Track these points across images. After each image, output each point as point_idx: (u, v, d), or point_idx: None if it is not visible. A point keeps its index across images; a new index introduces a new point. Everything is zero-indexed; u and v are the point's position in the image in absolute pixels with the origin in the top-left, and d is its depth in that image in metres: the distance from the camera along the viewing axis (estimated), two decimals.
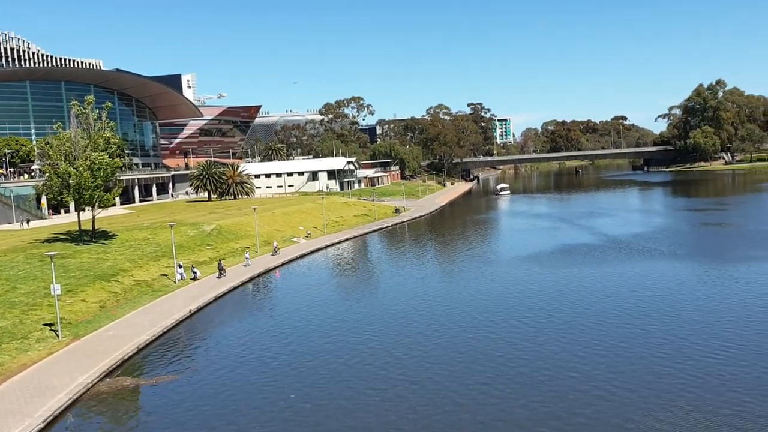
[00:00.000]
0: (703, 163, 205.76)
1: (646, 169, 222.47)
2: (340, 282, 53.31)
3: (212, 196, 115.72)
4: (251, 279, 53.39)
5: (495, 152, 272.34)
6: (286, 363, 31.03)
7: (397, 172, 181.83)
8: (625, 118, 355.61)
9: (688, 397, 23.95)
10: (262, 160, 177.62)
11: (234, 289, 49.50)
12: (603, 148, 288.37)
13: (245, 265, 56.96)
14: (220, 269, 52.86)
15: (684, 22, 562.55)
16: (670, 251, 56.66)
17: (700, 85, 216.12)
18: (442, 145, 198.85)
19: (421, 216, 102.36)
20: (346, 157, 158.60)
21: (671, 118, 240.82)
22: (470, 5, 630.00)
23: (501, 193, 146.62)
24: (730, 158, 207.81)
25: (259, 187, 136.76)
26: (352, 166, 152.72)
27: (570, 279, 47.05)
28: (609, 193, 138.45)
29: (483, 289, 45.76)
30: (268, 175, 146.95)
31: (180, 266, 51.55)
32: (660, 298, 39.61)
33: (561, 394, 24.98)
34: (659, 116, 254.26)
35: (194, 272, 52.02)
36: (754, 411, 22.31)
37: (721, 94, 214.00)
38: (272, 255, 62.95)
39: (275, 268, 58.56)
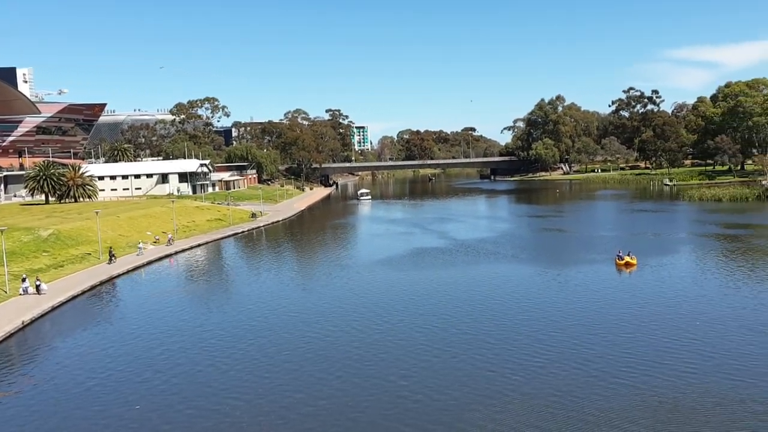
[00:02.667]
0: (544, 173, 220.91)
1: (493, 178, 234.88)
2: (189, 291, 51.21)
3: (50, 198, 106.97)
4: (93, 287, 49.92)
5: (353, 159, 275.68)
6: (131, 375, 29.23)
7: (254, 175, 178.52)
8: (474, 130, 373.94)
9: (517, 385, 25.40)
10: (106, 161, 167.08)
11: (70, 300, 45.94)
12: (454, 158, 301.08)
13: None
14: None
15: (527, 42, 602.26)
16: (512, 255, 60.10)
17: (542, 99, 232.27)
18: (300, 149, 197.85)
19: (278, 221, 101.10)
20: (199, 159, 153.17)
21: (515, 130, 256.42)
22: (330, 16, 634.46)
23: (362, 198, 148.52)
24: (568, 169, 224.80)
25: (103, 190, 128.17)
26: (205, 169, 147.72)
27: (422, 282, 48.45)
28: (459, 200, 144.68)
29: (337, 294, 45.88)
30: (113, 177, 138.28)
31: (24, 279, 46.69)
32: (499, 298, 41.87)
33: (398, 396, 25.58)
34: (505, 128, 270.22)
35: (38, 284, 46.73)
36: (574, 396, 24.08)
37: (560, 108, 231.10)
38: (137, 255, 62.72)
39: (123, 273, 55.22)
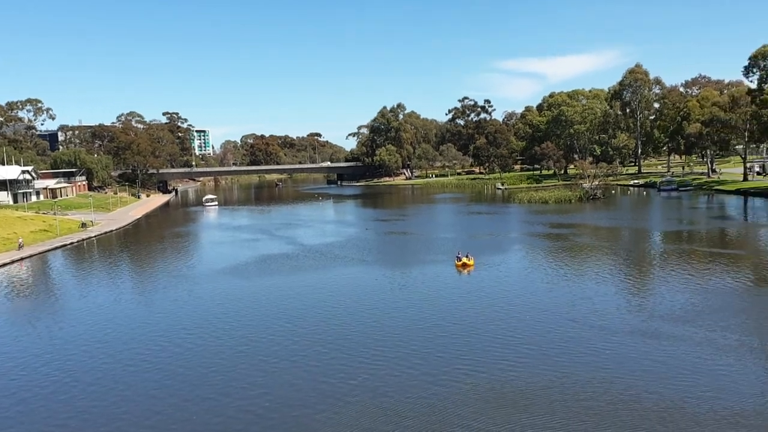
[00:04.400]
0: (388, 178, 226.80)
1: (339, 183, 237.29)
2: (8, 310, 46.30)
3: None
4: None
5: (194, 164, 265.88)
6: None
7: (84, 182, 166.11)
8: (320, 135, 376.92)
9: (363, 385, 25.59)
10: None
11: None
12: (300, 163, 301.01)
13: None
14: None
15: (371, 49, 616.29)
16: (359, 258, 60.75)
17: (384, 107, 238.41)
18: (135, 154, 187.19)
19: (112, 230, 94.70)
20: (21, 165, 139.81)
21: (360, 136, 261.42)
22: (164, 11, 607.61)
23: (208, 204, 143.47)
24: (411, 174, 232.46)
25: None
26: (28, 176, 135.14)
27: (268, 289, 47.51)
28: (306, 206, 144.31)
29: (176, 307, 43.67)
30: None
31: None
32: (346, 301, 42.08)
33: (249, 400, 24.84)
34: (350, 134, 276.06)
35: None
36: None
37: (401, 116, 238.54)
38: None
39: None
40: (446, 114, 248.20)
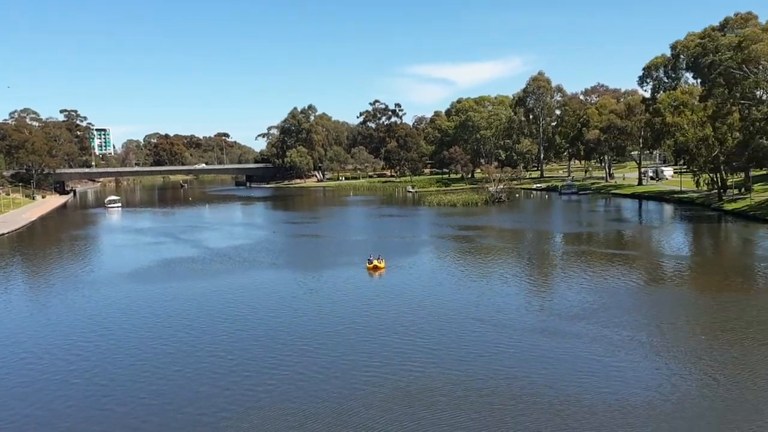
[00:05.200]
0: (299, 181, 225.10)
1: (248, 184, 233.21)
2: None
3: None
4: None
5: (94, 164, 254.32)
6: None
7: None
8: (228, 135, 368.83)
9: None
10: None
11: None
12: (207, 164, 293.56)
13: None
14: None
15: (279, 49, 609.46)
16: (269, 261, 60.00)
17: (295, 108, 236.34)
18: (30, 153, 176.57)
19: (4, 234, 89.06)
20: None
21: (270, 137, 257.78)
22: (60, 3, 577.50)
23: (110, 206, 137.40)
24: (322, 176, 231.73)
25: None
26: None
27: (172, 294, 46.11)
28: (214, 208, 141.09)
29: (71, 314, 41.65)
30: None
31: None
32: (255, 305, 41.53)
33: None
34: (259, 135, 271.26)
35: None
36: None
37: (312, 117, 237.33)
38: None
39: None
40: (358, 117, 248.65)
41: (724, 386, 25.12)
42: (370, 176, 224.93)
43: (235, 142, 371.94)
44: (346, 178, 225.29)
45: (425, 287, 45.86)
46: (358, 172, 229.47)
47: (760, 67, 74.93)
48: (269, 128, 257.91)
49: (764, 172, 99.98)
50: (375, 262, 53.34)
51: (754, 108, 77.89)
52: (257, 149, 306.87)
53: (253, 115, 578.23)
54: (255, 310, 40.33)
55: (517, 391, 25.07)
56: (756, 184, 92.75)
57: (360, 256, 58.72)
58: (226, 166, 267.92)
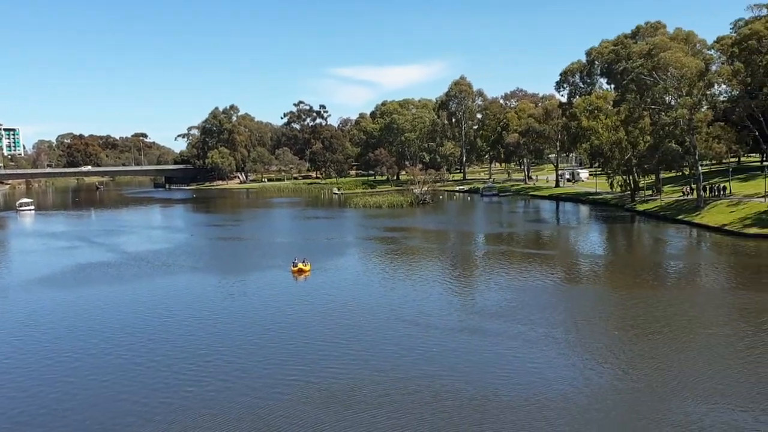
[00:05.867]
0: (221, 182, 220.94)
1: (168, 186, 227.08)
2: None
3: None
4: None
5: (2, 165, 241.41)
6: None
7: None
8: (145, 136, 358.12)
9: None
10: None
11: None
12: (124, 165, 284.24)
13: None
14: None
15: (199, 45, 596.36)
16: (190, 265, 58.53)
17: (216, 108, 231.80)
18: None
19: None
20: None
21: (190, 138, 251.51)
22: None
23: (22, 209, 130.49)
24: (245, 178, 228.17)
25: None
26: None
27: (86, 300, 44.27)
28: (131, 210, 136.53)
29: None
30: None
31: None
32: (175, 311, 40.44)
33: None
34: (179, 135, 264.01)
35: None
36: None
37: (234, 118, 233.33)
38: None
39: None
40: (282, 118, 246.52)
41: (633, 378, 26.30)
42: (295, 178, 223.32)
43: (153, 142, 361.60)
44: (270, 180, 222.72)
45: (350, 289, 45.85)
46: (283, 173, 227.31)
47: (669, 73, 78.90)
48: (190, 128, 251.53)
49: (673, 175, 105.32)
50: (300, 265, 52.83)
51: (663, 113, 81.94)
52: (177, 150, 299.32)
53: (172, 116, 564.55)
54: (174, 316, 39.23)
55: (438, 389, 25.43)
56: (666, 186, 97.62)
57: (285, 259, 58.08)
58: (144, 168, 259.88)
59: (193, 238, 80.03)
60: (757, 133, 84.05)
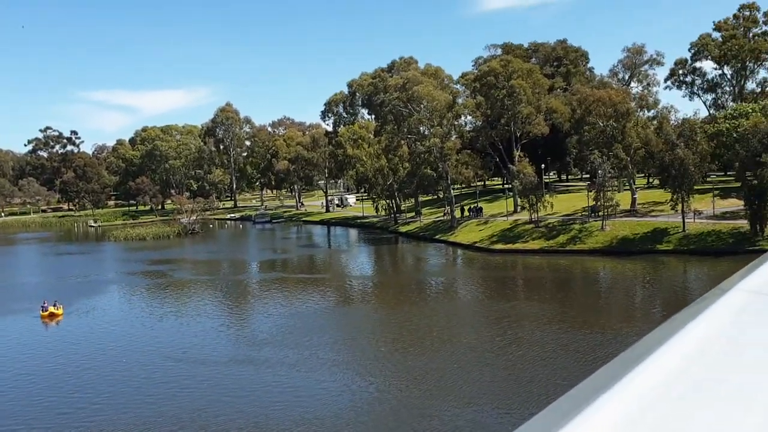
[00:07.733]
0: None
1: None
2: None
3: None
4: None
5: None
6: None
7: None
8: None
9: None
10: None
11: None
12: None
13: None
14: None
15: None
16: None
17: None
18: None
19: None
20: None
21: None
22: None
23: None
24: None
25: None
26: None
27: None
28: None
29: None
30: None
31: None
32: None
33: None
34: None
35: None
36: None
37: None
38: None
39: None
40: (26, 145, 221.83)
41: (397, 388, 28.07)
42: (44, 211, 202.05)
43: None
44: (13, 214, 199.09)
45: (111, 332, 42.60)
46: (29, 206, 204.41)
47: (423, 105, 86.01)
48: None
49: (430, 198, 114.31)
50: (51, 309, 47.47)
51: (418, 142, 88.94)
52: None
53: None
54: None
55: (205, 422, 24.83)
56: (425, 208, 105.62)
57: (33, 302, 52.06)
58: None
59: None
60: (498, 159, 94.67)
